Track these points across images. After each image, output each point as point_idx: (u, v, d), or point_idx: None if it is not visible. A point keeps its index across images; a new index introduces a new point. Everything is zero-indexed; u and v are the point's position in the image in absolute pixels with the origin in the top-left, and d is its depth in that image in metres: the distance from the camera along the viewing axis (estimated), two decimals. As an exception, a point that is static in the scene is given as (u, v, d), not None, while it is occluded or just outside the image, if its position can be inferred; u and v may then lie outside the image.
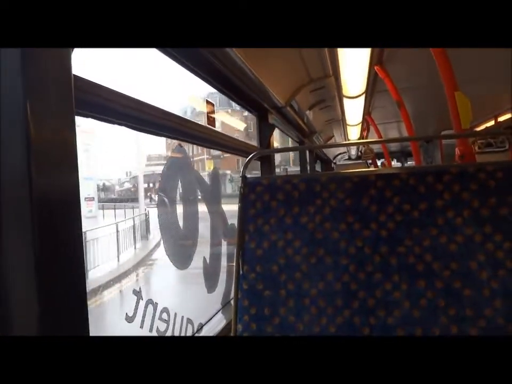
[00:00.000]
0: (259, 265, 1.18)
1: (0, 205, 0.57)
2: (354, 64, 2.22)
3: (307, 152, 4.58)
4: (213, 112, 1.60)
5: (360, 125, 4.56)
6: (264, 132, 2.31)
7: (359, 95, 2.92)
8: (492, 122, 4.84)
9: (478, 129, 5.38)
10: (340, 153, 7.91)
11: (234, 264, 1.21)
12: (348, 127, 4.50)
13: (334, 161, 8.29)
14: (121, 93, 0.88)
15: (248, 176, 1.24)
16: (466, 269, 1.07)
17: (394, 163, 9.15)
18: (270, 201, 1.20)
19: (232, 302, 1.23)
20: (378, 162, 8.06)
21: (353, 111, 3.62)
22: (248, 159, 1.26)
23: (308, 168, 4.56)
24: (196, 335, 1.48)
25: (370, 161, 7.22)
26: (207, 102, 1.59)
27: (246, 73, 1.72)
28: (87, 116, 0.80)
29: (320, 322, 1.13)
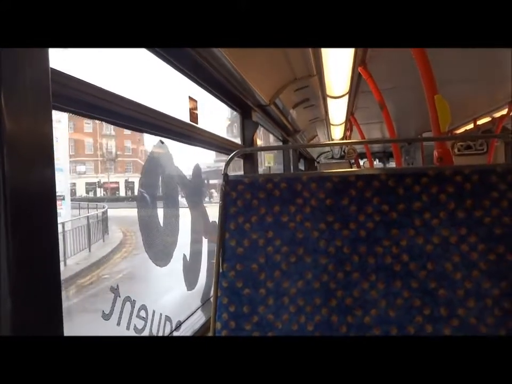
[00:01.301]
0: (239, 264, 1.18)
1: None
2: (337, 64, 2.23)
3: (290, 150, 4.59)
4: (195, 108, 1.58)
5: (344, 124, 4.60)
6: (248, 129, 2.30)
7: (343, 95, 2.94)
8: (471, 125, 4.95)
9: (458, 132, 5.51)
10: (323, 152, 7.97)
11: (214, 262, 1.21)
12: (331, 126, 4.53)
13: (317, 160, 8.34)
14: (101, 87, 0.86)
15: (230, 174, 1.23)
16: (442, 269, 1.09)
17: (377, 163, 9.28)
18: (251, 199, 1.20)
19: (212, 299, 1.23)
20: (361, 162, 8.16)
21: (337, 111, 3.64)
22: (230, 157, 1.25)
23: (291, 166, 4.58)
24: (175, 334, 1.47)
25: (353, 160, 7.31)
26: (190, 98, 1.57)
27: (229, 71, 1.71)
28: (64, 110, 0.78)
29: (299, 320, 1.14)
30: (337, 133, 5.25)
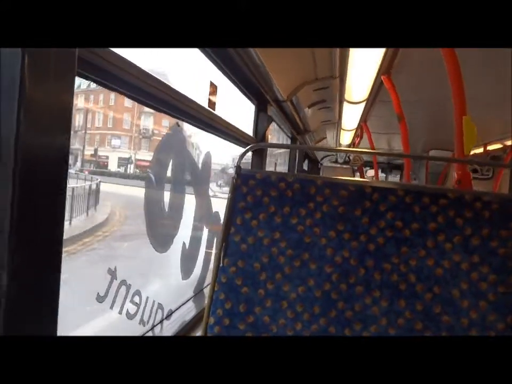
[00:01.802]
0: (241, 260, 1.14)
1: None
2: (362, 70, 2.18)
3: (297, 150, 4.55)
4: (215, 94, 1.53)
5: (354, 131, 4.55)
6: (261, 123, 2.26)
7: (360, 102, 2.90)
8: (481, 150, 4.92)
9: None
10: (328, 155, 7.92)
11: (214, 255, 1.17)
12: (341, 131, 4.49)
13: (320, 162, 8.30)
14: (129, 61, 0.82)
15: (243, 168, 1.19)
16: (449, 295, 1.06)
17: (379, 174, 9.26)
18: (262, 196, 1.16)
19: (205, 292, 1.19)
20: (368, 174, 8.13)
21: (351, 116, 3.60)
22: (245, 150, 1.21)
23: (296, 165, 4.54)
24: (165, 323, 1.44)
25: (355, 168, 7.28)
26: (211, 83, 1.52)
27: (253, 58, 1.65)
28: (87, 78, 0.74)
29: (295, 327, 1.11)
30: (346, 138, 5.21)
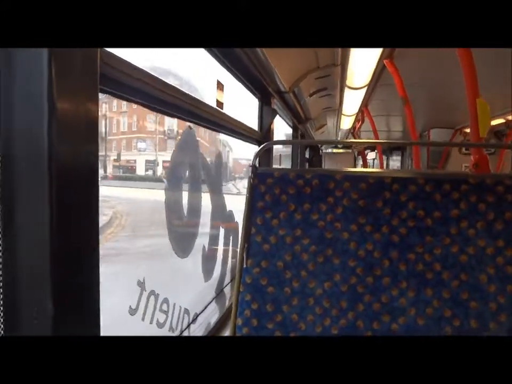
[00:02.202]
0: (264, 260, 1.14)
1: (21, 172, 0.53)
2: (365, 56, 2.16)
3: (299, 137, 4.52)
4: (222, 93, 1.51)
5: (355, 115, 4.53)
6: (266, 117, 2.24)
7: (362, 87, 2.87)
8: None
9: (468, 130, 5.45)
10: (329, 141, 7.89)
11: (238, 256, 1.17)
12: (342, 116, 4.47)
13: (321, 148, 8.27)
14: (145, 71, 0.81)
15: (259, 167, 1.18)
16: (475, 281, 1.06)
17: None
18: (280, 194, 1.15)
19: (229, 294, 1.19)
20: (368, 157, 8.09)
21: (352, 102, 3.58)
22: (259, 149, 1.20)
23: (299, 154, 4.52)
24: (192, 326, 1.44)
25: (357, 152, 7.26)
26: (218, 83, 1.50)
27: (256, 52, 1.61)
28: (107, 93, 0.73)
29: (324, 323, 1.11)
30: (346, 123, 5.18)
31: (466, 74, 1.37)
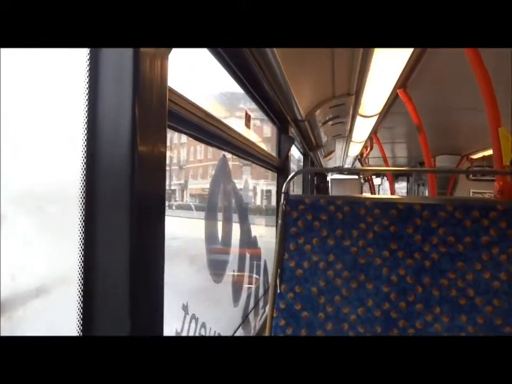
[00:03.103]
0: (298, 286, 1.15)
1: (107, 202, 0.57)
2: (379, 85, 2.23)
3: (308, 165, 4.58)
4: (249, 122, 1.57)
5: (364, 142, 4.60)
6: (284, 144, 2.30)
7: (374, 115, 2.95)
8: (490, 151, 4.94)
9: (475, 157, 5.51)
10: (335, 167, 7.96)
11: (270, 282, 1.18)
12: (351, 143, 4.54)
13: (326, 174, 8.33)
14: (197, 105, 0.86)
15: (291, 193, 1.22)
16: (508, 306, 1.07)
17: (384, 180, 9.26)
18: (313, 221, 1.18)
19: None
20: (376, 182, 8.14)
21: (362, 129, 3.65)
22: (292, 175, 1.24)
23: (309, 180, 4.57)
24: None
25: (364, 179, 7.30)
26: (246, 113, 1.56)
27: (277, 79, 1.65)
28: (171, 128, 0.78)
29: None
30: (355, 150, 5.25)
31: (488, 104, 1.42)
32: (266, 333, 1.16)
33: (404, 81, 2.28)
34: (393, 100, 2.71)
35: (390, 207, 1.16)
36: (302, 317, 1.14)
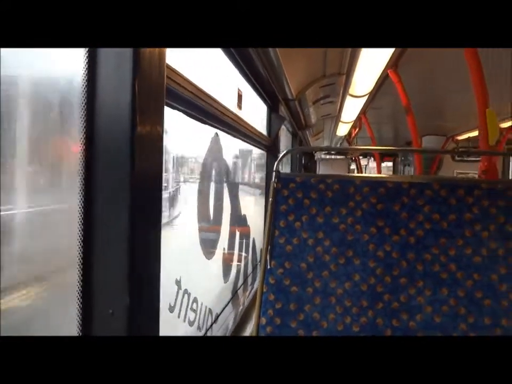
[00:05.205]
0: (287, 262, 1.19)
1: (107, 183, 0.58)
2: (370, 65, 2.23)
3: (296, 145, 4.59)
4: (241, 100, 1.57)
5: (352, 122, 4.62)
6: (274, 123, 2.30)
7: (364, 95, 2.95)
8: (475, 133, 5.03)
9: (461, 138, 5.60)
10: (326, 146, 7.99)
11: (261, 258, 1.21)
12: (340, 123, 4.55)
13: (314, 154, 8.36)
14: (195, 84, 0.86)
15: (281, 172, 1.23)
16: (488, 280, 1.13)
17: (372, 160, 9.35)
18: (303, 199, 1.21)
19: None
20: (363, 162, 8.20)
21: (351, 109, 3.66)
22: (283, 154, 1.26)
23: (297, 159, 4.60)
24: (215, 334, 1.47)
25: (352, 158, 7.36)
26: (238, 90, 1.56)
27: (271, 59, 1.64)
28: (172, 107, 0.78)
29: (344, 321, 1.16)
30: (343, 129, 5.27)
31: (476, 86, 1.45)
32: (256, 308, 1.20)
33: (394, 62, 2.29)
34: (383, 80, 2.71)
35: (379, 185, 1.19)
36: (291, 292, 1.18)
